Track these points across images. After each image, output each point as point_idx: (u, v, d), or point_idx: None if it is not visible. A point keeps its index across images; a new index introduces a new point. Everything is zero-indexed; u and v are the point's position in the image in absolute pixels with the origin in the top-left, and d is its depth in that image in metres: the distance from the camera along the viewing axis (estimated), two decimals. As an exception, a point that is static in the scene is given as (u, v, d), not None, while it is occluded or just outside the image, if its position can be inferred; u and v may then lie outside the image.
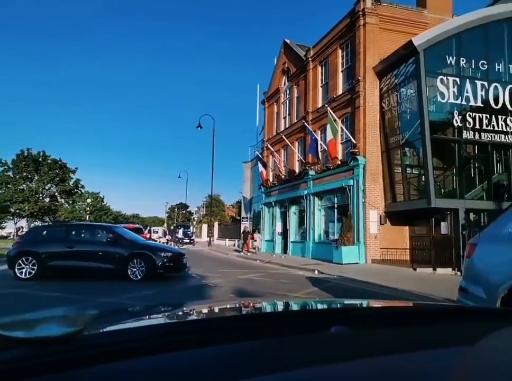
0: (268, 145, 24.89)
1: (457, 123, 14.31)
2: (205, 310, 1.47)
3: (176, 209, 71.32)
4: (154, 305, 1.88)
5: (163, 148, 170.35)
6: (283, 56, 25.56)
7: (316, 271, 13.14)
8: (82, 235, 10.79)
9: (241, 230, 26.92)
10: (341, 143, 18.23)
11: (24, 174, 45.00)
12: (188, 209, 68.77)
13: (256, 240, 22.96)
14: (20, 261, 10.03)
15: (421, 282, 10.27)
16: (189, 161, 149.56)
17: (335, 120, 17.07)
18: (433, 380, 0.73)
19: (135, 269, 10.03)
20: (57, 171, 46.47)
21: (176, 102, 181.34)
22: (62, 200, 50.05)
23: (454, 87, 14.57)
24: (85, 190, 55.36)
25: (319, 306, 1.63)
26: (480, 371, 0.65)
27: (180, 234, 36.12)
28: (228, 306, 1.66)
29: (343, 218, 16.45)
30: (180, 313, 1.41)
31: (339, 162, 17.88)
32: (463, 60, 14.94)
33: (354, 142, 16.74)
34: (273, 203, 24.77)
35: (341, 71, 19.05)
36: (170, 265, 10.43)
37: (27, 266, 10.02)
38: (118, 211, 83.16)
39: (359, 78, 16.86)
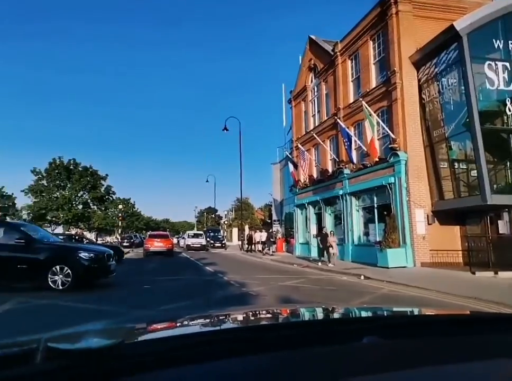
0: (298, 145, 24.12)
1: (510, 111, 13.11)
2: (239, 318, 1.46)
3: (205, 214, 71.60)
4: (198, 314, 1.75)
5: (190, 152, 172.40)
6: (309, 52, 24.77)
7: (362, 276, 12.33)
8: None
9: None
10: (377, 139, 17.26)
11: (57, 182, 46.07)
12: (216, 213, 68.91)
13: (332, 246, 16.43)
14: None
15: (484, 288, 9.30)
16: (216, 164, 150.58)
17: (370, 114, 16.15)
18: None
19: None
20: (88, 178, 47.31)
21: (202, 106, 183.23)
22: (95, 207, 50.97)
23: (504, 73, 13.39)
24: (116, 197, 56.21)
25: (353, 314, 1.55)
26: None
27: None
28: (258, 314, 1.62)
29: (385, 218, 15.49)
30: (220, 321, 1.41)
31: (377, 159, 16.92)
32: (512, 43, 13.72)
33: (393, 136, 15.77)
34: (306, 204, 23.99)
35: (374, 63, 18.11)
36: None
37: None
38: (149, 217, 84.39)
39: (395, 69, 15.89)
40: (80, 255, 9.36)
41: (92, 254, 9.55)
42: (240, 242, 33.79)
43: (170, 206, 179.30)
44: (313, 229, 23.38)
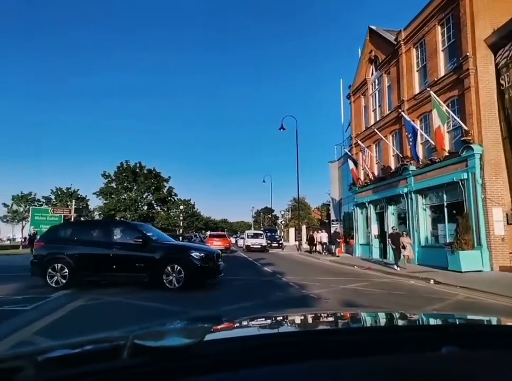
0: (358, 141, 23.09)
1: None
2: (309, 321, 1.45)
3: (262, 214, 71.98)
4: (265, 315, 1.70)
5: (247, 152, 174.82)
6: (369, 44, 23.63)
7: (432, 281, 11.33)
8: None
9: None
10: (447, 132, 15.89)
11: (124, 184, 49.18)
12: (273, 213, 68.90)
13: (405, 247, 14.81)
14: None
15: None
16: (273, 164, 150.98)
17: (440, 104, 14.86)
18: None
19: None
20: (152, 180, 49.88)
21: (258, 106, 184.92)
22: (158, 208, 53.54)
23: None
24: (177, 198, 58.57)
25: (428, 322, 1.44)
26: None
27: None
28: (328, 317, 1.59)
29: (457, 218, 14.15)
30: (293, 323, 1.43)
31: (447, 154, 15.56)
32: None
33: (466, 128, 14.35)
34: (366, 204, 22.89)
35: (442, 50, 16.69)
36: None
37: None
38: (208, 217, 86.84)
39: (468, 53, 14.46)
40: (192, 254, 9.33)
41: (203, 254, 9.47)
42: (297, 242, 33.31)
43: (228, 206, 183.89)
44: (375, 230, 22.25)
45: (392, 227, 16.66)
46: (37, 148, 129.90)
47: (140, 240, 9.41)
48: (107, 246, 9.48)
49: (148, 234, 9.89)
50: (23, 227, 53.84)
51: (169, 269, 9.19)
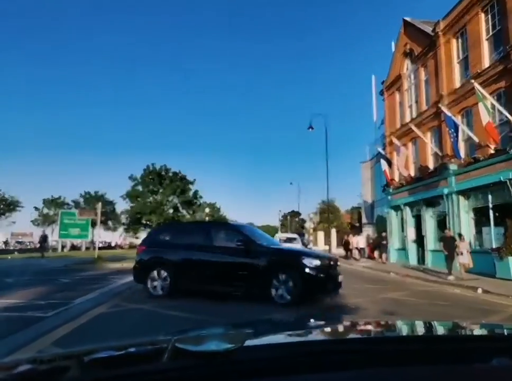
0: (393, 139, 21.90)
1: None
2: (351, 329, 1.44)
3: (288, 217, 70.89)
4: (307, 321, 1.67)
5: (272, 152, 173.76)
6: (404, 37, 22.47)
7: (479, 290, 10.26)
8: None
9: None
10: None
11: (150, 187, 49.44)
12: (300, 217, 67.70)
13: (462, 253, 12.84)
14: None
15: None
16: (299, 165, 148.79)
17: (484, 97, 13.68)
18: None
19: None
20: (178, 183, 49.90)
21: (282, 104, 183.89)
22: (184, 211, 53.56)
23: None
24: (203, 201, 58.49)
25: (478, 332, 1.38)
26: None
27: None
28: (371, 325, 1.52)
29: (505, 220, 12.92)
30: (332, 331, 1.40)
31: (493, 151, 14.30)
32: None
33: (516, 122, 13.12)
34: (401, 206, 21.66)
35: (486, 39, 15.46)
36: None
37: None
38: (233, 220, 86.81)
39: (517, 41, 13.25)
40: (304, 262, 7.82)
41: (318, 261, 7.91)
42: (327, 247, 32.31)
43: (254, 210, 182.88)
44: (411, 233, 21.00)
45: (445, 230, 14.45)
46: (69, 154, 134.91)
47: (244, 244, 8.28)
48: (208, 251, 8.54)
49: (251, 237, 8.63)
50: (53, 230, 55.56)
51: (278, 279, 7.80)
